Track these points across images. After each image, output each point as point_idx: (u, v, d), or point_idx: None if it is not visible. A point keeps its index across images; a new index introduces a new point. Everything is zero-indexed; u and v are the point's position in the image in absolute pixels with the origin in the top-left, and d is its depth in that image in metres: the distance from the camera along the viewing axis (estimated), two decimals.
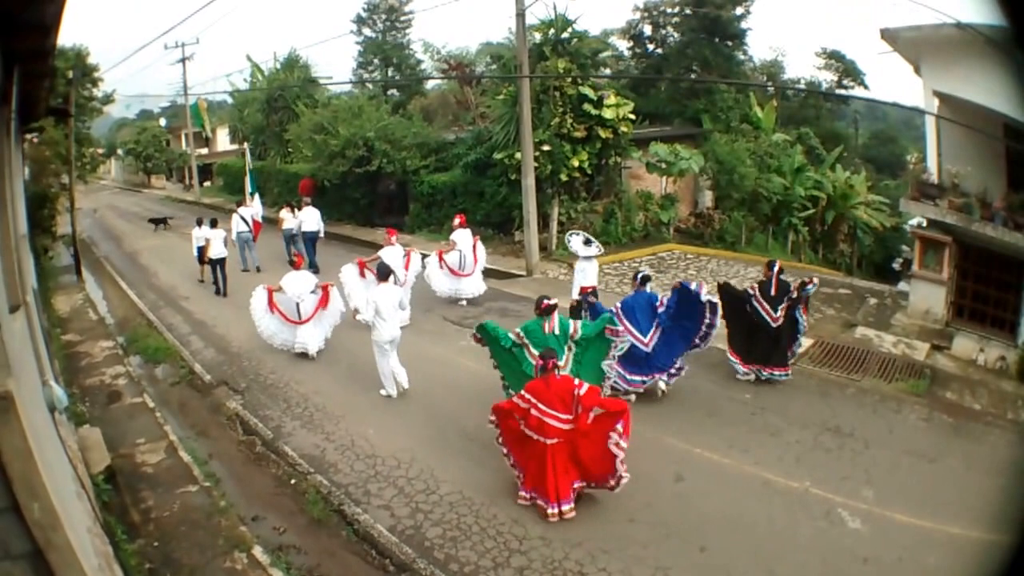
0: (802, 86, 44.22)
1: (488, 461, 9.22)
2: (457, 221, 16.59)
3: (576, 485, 8.19)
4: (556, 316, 9.53)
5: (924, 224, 16.02)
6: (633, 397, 10.77)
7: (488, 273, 17.61)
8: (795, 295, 11.48)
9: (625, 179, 24.80)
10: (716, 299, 10.86)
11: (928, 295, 16.02)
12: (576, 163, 21.19)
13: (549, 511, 8.07)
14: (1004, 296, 14.66)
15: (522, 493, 8.39)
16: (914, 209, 16.17)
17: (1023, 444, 10.66)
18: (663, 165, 24.01)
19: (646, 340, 10.70)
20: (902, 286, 20.05)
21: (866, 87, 45.20)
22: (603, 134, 21.45)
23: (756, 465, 9.37)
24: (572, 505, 8.13)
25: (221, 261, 18.23)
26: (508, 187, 22.33)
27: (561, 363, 8.85)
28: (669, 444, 9.84)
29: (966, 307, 15.53)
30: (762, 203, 27.64)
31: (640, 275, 11.35)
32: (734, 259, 22.82)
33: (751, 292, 11.69)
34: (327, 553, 7.83)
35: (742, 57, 37.59)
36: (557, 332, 9.45)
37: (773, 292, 11.46)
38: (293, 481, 9.31)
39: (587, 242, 14.71)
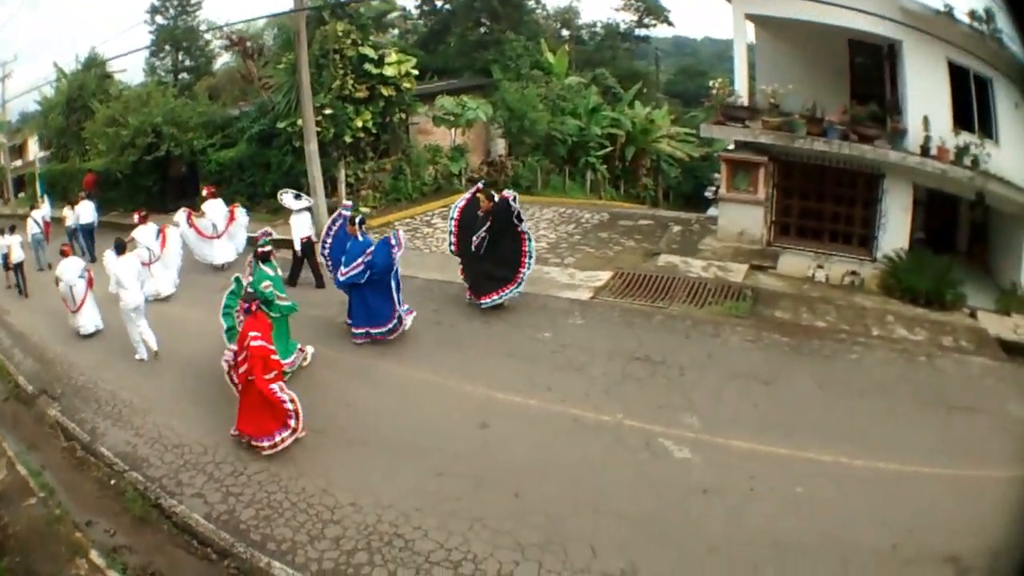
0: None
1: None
2: (205, 192, 18.21)
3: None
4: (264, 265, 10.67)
5: (732, 148, 16.34)
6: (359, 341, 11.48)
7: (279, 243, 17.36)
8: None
9: (413, 135, 25.23)
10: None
11: (741, 217, 16.31)
12: (360, 124, 21.46)
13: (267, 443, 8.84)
14: (849, 211, 15.17)
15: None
16: (717, 133, 16.54)
17: (902, 361, 10.90)
18: (450, 118, 24.56)
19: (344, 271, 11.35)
20: (712, 211, 20.69)
21: (670, 24, 46.91)
22: (386, 92, 21.89)
23: (563, 403, 9.26)
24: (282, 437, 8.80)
25: (20, 264, 18.58)
26: (293, 155, 22.14)
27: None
28: (470, 391, 9.80)
29: (792, 225, 15.91)
30: (557, 146, 28.41)
31: (358, 219, 12.03)
32: (530, 202, 23.05)
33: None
34: (156, 549, 7.89)
35: (533, 4, 38.25)
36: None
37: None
38: (113, 481, 9.24)
39: (297, 196, 15.78)
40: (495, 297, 12.24)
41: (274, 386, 8.74)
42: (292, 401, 8.84)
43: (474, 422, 8.95)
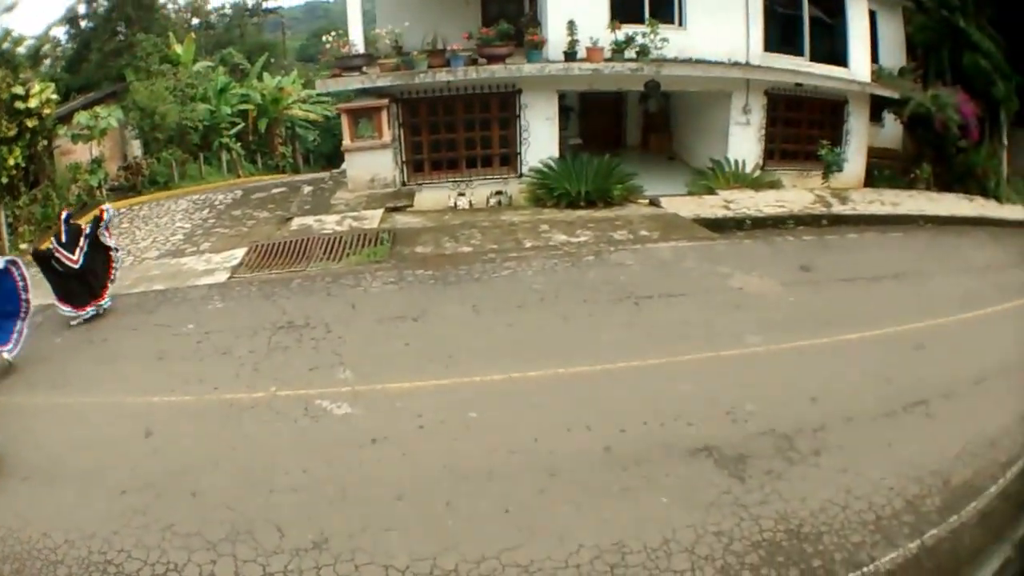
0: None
1: None
2: None
3: None
4: None
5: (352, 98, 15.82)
6: None
7: None
8: (89, 232, 11.89)
9: (57, 158, 23.84)
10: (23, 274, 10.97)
11: (369, 163, 15.74)
12: (12, 162, 20.14)
13: None
14: (486, 134, 14.98)
15: None
16: (333, 86, 16.00)
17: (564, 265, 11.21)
18: (86, 132, 23.39)
19: None
20: (345, 166, 20.17)
21: None
22: (30, 124, 20.68)
23: (216, 391, 9.00)
24: None
25: None
26: None
27: None
28: (130, 403, 9.17)
29: (426, 160, 15.52)
30: (190, 134, 27.91)
31: None
32: (168, 197, 22.56)
33: (51, 247, 11.95)
34: None
35: (163, 1, 37.20)
36: None
37: (64, 239, 11.89)
38: None
39: None
40: (89, 310, 11.80)
41: None
42: None
43: (139, 433, 8.41)
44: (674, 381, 8.55)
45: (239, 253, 13.44)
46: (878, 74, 19.33)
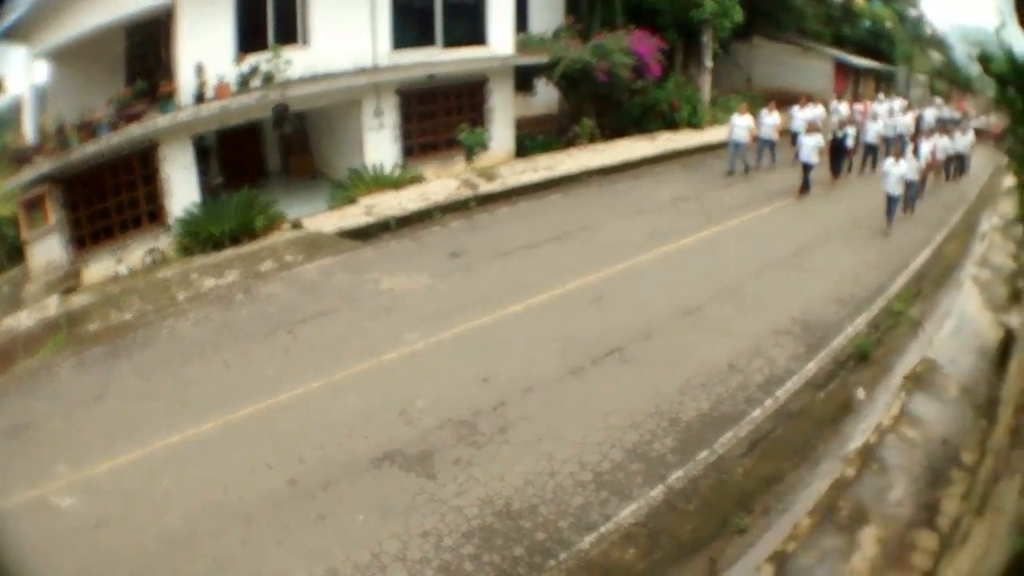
0: None
1: None
2: None
3: None
4: None
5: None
6: None
7: None
8: None
9: None
10: None
11: (44, 250, 15.79)
12: None
13: None
14: (132, 195, 15.46)
15: None
16: (16, 182, 15.61)
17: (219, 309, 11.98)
18: None
19: None
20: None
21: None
22: None
23: None
24: None
25: None
26: None
27: None
28: None
29: (88, 233, 15.83)
30: None
31: None
32: None
33: None
34: None
35: None
36: None
37: None
38: None
39: None
40: None
41: None
42: None
43: None
44: (341, 397, 9.51)
45: None
46: (526, 42, 21.54)
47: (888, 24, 45.52)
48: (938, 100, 49.33)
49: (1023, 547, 4.36)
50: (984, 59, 11.46)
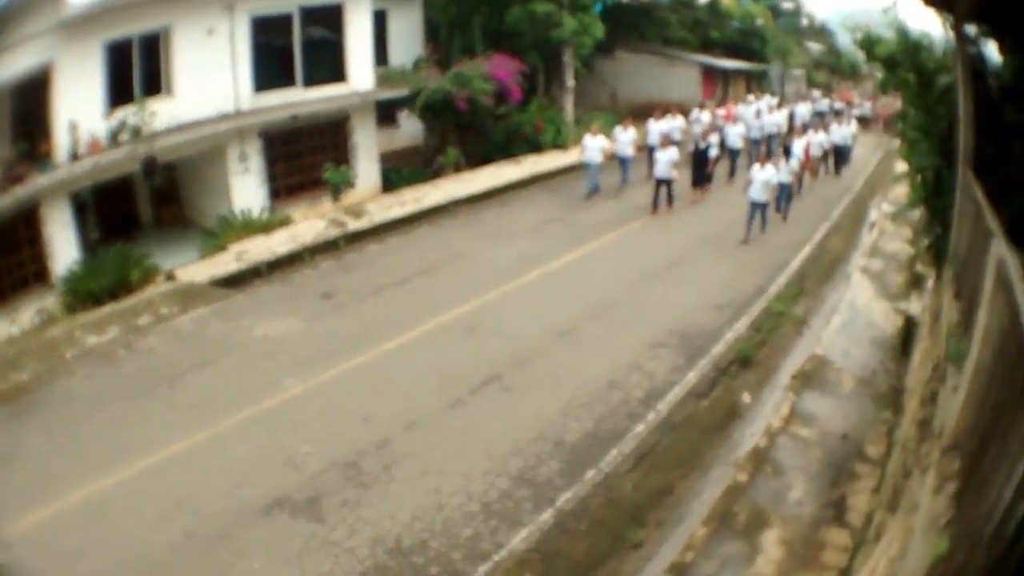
0: None
1: None
2: None
3: None
4: None
5: None
6: None
7: None
8: None
9: None
10: None
11: None
12: None
13: None
14: (18, 257, 16.10)
15: None
16: None
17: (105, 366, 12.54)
18: None
19: None
20: None
21: None
22: None
23: None
24: None
25: None
26: None
27: None
28: None
29: None
30: None
31: None
32: None
33: None
34: None
35: None
36: None
37: None
38: None
39: None
40: None
41: None
42: None
43: None
44: (228, 447, 10.05)
45: None
46: (386, 76, 23.02)
47: (759, 21, 47.39)
48: (815, 93, 51.75)
49: (946, 551, 4.38)
50: (867, 43, 12.22)
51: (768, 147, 25.42)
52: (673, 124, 24.79)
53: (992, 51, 10.34)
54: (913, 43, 11.23)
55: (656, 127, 23.71)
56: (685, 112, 27.62)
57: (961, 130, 9.35)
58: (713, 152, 22.53)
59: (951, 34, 10.09)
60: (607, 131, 23.13)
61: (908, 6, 10.72)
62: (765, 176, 18.33)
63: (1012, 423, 3.89)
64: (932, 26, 11.06)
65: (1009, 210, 7.79)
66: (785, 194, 20.73)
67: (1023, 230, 7.51)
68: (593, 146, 21.71)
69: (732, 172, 24.82)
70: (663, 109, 25.47)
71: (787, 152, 21.67)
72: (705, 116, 26.85)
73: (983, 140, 9.37)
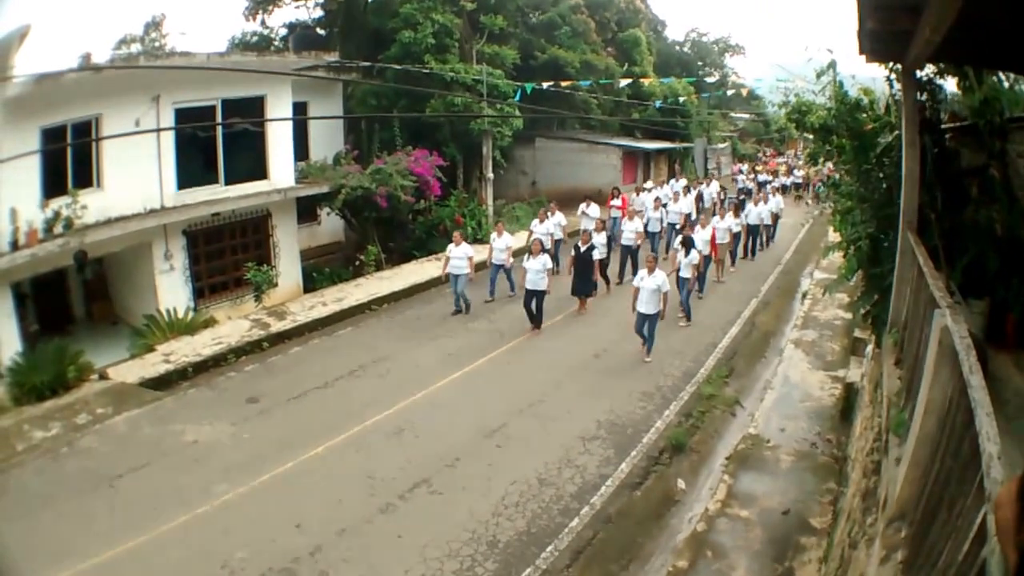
0: None
1: None
2: None
3: None
4: None
5: None
6: None
7: None
8: None
9: None
10: None
11: None
12: None
13: None
14: None
15: None
16: None
17: (51, 462, 13.55)
18: None
19: None
20: None
21: None
22: None
23: None
24: None
25: None
26: None
27: None
28: None
29: None
30: None
31: None
32: None
33: None
34: None
35: None
36: None
37: None
38: None
39: None
40: None
41: None
42: None
43: None
44: (166, 552, 10.62)
45: None
46: (306, 171, 24.63)
47: (682, 99, 49.16)
48: (741, 167, 54.39)
49: None
50: (796, 114, 12.21)
51: (668, 240, 26.20)
52: (553, 222, 25.13)
53: (950, 87, 10.68)
54: (851, 104, 11.30)
55: (538, 230, 24.24)
56: (600, 200, 28.94)
57: (903, 193, 9.33)
58: (598, 254, 22.11)
59: (897, 86, 10.34)
60: (526, 223, 24.83)
61: (847, 61, 10.72)
62: (654, 284, 17.49)
63: (959, 494, 4.07)
64: (872, 77, 11.25)
65: (964, 256, 8.77)
66: (685, 294, 20.94)
67: (978, 274, 8.67)
68: (498, 246, 22.51)
69: (631, 270, 24.45)
70: (544, 211, 26.00)
71: (687, 245, 21.09)
72: (593, 210, 26.92)
73: (934, 191, 9.65)
